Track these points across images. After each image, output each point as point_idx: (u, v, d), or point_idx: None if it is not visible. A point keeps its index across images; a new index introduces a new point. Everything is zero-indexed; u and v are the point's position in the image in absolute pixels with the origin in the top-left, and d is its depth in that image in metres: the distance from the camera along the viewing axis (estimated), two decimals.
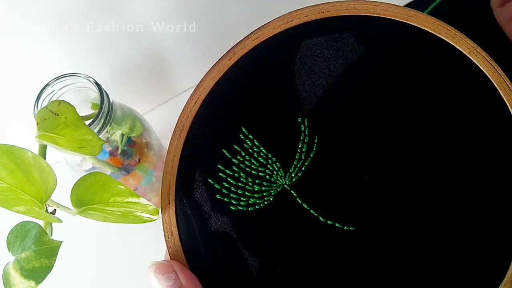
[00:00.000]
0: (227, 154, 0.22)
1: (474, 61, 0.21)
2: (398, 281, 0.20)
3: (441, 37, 0.21)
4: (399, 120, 0.21)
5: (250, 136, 0.22)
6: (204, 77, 0.22)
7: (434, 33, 0.21)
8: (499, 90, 0.21)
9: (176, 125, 0.22)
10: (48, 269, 0.20)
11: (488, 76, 0.21)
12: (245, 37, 0.22)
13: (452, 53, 0.21)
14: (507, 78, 0.21)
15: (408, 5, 0.33)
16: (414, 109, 0.21)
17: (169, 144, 0.22)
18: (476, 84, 0.21)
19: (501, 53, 0.22)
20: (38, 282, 0.19)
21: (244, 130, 0.22)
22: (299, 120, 0.21)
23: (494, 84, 0.21)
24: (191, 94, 0.22)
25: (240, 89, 0.22)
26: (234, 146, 0.22)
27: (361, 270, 0.20)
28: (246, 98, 0.22)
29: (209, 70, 0.22)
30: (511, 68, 0.22)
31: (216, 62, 0.22)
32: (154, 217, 0.21)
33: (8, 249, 0.20)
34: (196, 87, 0.22)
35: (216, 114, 0.22)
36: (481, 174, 0.20)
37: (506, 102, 0.21)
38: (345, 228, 0.21)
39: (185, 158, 0.22)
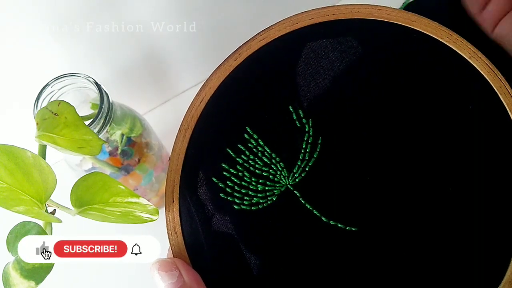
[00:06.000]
0: (231, 153, 0.22)
1: (475, 65, 0.21)
2: (399, 281, 0.20)
3: (443, 41, 0.22)
4: (401, 123, 0.21)
5: (255, 136, 0.22)
6: (209, 77, 0.22)
7: (436, 37, 0.22)
8: (499, 94, 0.21)
9: (181, 124, 0.22)
10: (48, 269, 0.20)
11: (488, 80, 0.21)
12: (251, 38, 0.22)
13: (453, 58, 0.22)
14: (506, 82, 0.21)
15: (406, 7, 0.33)
16: (416, 112, 0.21)
17: (174, 143, 0.22)
18: (476, 88, 0.21)
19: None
20: (38, 282, 0.19)
21: (248, 129, 0.22)
22: (304, 121, 0.22)
23: (494, 88, 0.21)
24: (197, 94, 0.22)
25: (245, 89, 0.22)
26: (238, 145, 0.22)
27: (363, 270, 0.21)
28: (251, 98, 0.22)
29: (215, 70, 0.22)
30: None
31: (222, 63, 0.22)
32: (154, 217, 0.21)
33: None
34: (201, 87, 0.22)
35: (221, 113, 0.22)
36: (481, 176, 0.21)
37: (506, 106, 0.21)
38: (347, 228, 0.21)
39: (190, 157, 0.22)
